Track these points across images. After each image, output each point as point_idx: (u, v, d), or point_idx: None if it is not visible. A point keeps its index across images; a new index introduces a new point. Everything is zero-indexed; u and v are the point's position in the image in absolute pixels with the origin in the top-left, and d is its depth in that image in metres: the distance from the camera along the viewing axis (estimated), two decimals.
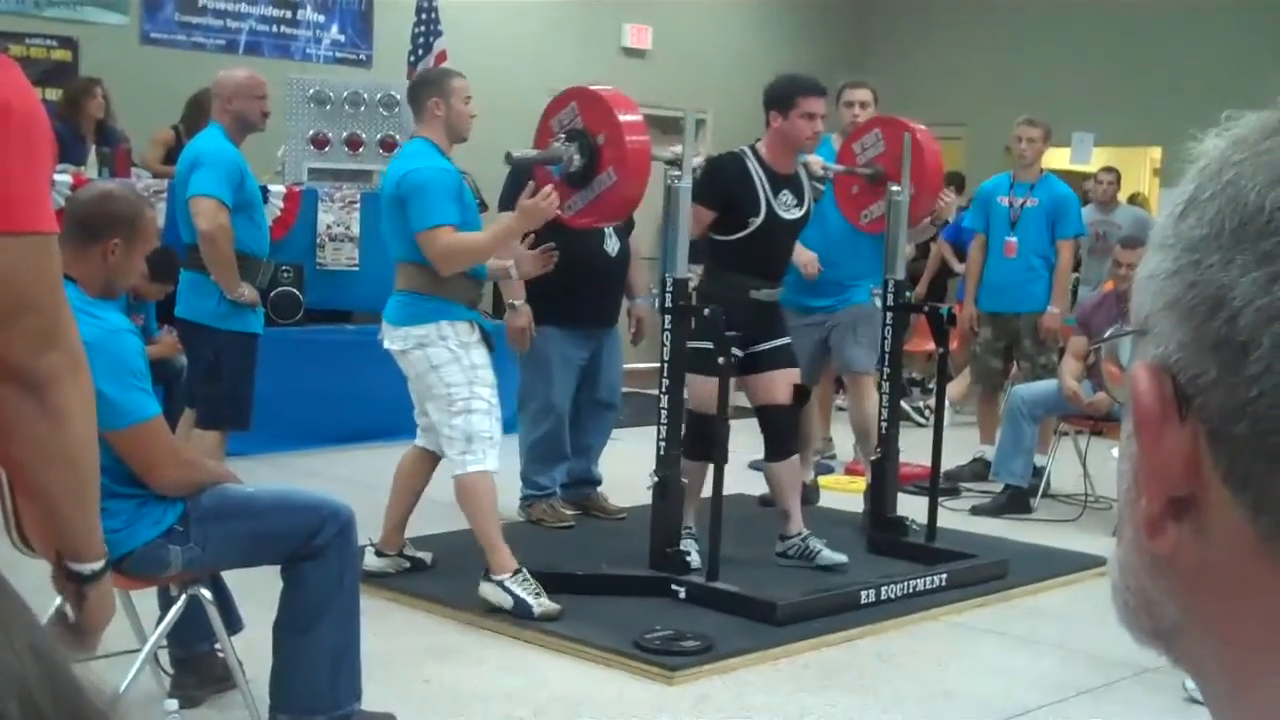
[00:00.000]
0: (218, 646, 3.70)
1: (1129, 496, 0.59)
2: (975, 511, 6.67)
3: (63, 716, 0.49)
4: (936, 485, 5.81)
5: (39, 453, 1.73)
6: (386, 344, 4.83)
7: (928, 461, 5.83)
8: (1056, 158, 9.72)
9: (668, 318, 4.83)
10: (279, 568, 3.47)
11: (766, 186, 5.22)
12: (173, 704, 3.55)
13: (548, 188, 4.58)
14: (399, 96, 7.58)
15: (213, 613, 3.46)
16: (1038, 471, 6.91)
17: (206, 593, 3.46)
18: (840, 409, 7.78)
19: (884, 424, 5.80)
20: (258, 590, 3.72)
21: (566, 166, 4.69)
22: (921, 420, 8.67)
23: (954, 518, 6.35)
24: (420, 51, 8.82)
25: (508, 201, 5.44)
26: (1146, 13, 11.33)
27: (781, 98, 5.23)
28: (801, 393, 5.41)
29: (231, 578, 3.70)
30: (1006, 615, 5.06)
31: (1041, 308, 7.21)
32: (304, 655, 3.44)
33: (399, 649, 4.34)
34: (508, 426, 5.06)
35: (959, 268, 8.98)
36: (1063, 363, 6.84)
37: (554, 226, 4.91)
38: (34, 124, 1.64)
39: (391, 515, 5.05)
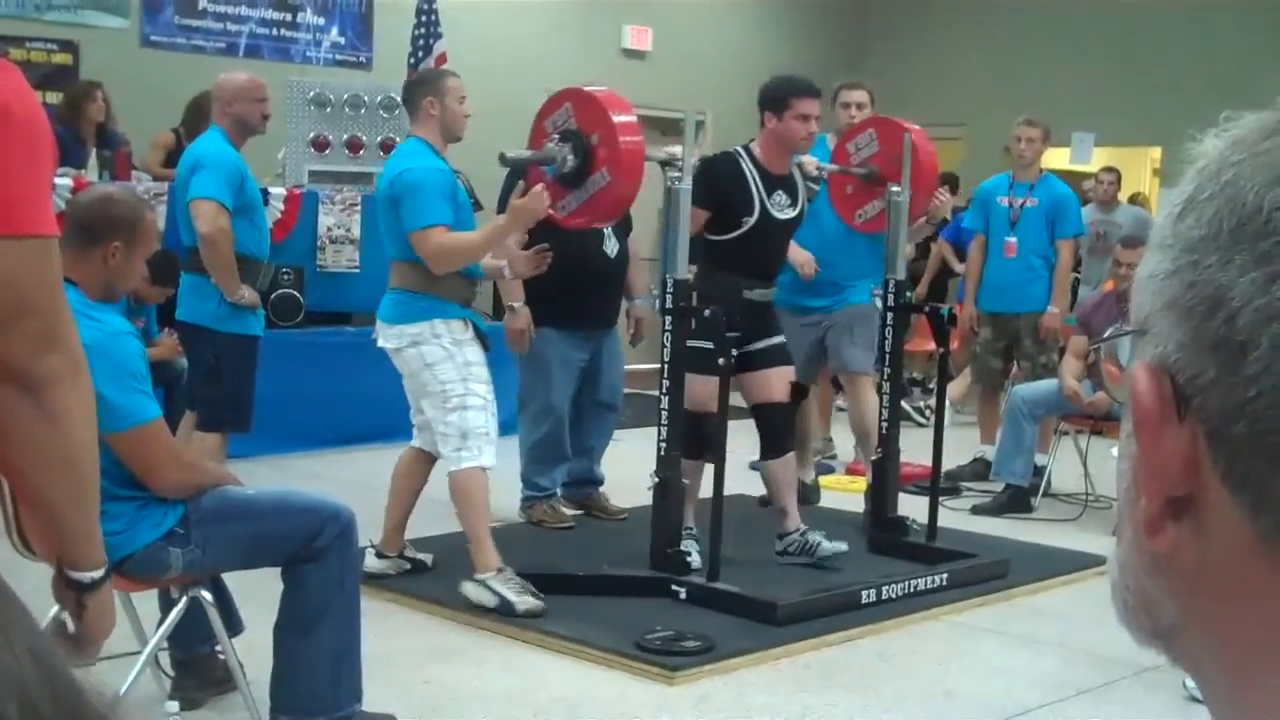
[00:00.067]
0: (218, 648, 3.70)
1: (1128, 496, 0.59)
2: (976, 511, 6.67)
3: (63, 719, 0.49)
4: (937, 485, 5.81)
5: (38, 455, 1.72)
6: (380, 342, 4.84)
7: (928, 461, 5.84)
8: (1056, 158, 9.73)
9: (668, 319, 4.83)
10: (279, 569, 3.47)
11: (760, 187, 5.22)
12: (173, 706, 3.56)
13: (538, 187, 4.58)
14: (399, 99, 7.58)
15: (213, 615, 3.46)
16: (1038, 471, 6.91)
17: (207, 595, 3.46)
18: (840, 409, 7.78)
19: (885, 424, 5.80)
20: (258, 592, 3.72)
21: (560, 167, 4.69)
22: (922, 420, 8.67)
23: (955, 517, 6.35)
24: (420, 54, 8.82)
25: (505, 202, 5.44)
26: (1146, 13, 11.33)
27: (776, 99, 5.23)
28: (799, 390, 5.41)
29: (232, 579, 3.70)
30: (1007, 615, 5.06)
31: (1041, 308, 7.21)
32: (305, 657, 3.44)
33: (399, 650, 4.34)
34: (507, 428, 5.06)
35: (959, 268, 8.98)
36: (1063, 362, 6.84)
37: (552, 228, 4.91)
38: (34, 127, 1.63)
39: (391, 516, 5.05)
